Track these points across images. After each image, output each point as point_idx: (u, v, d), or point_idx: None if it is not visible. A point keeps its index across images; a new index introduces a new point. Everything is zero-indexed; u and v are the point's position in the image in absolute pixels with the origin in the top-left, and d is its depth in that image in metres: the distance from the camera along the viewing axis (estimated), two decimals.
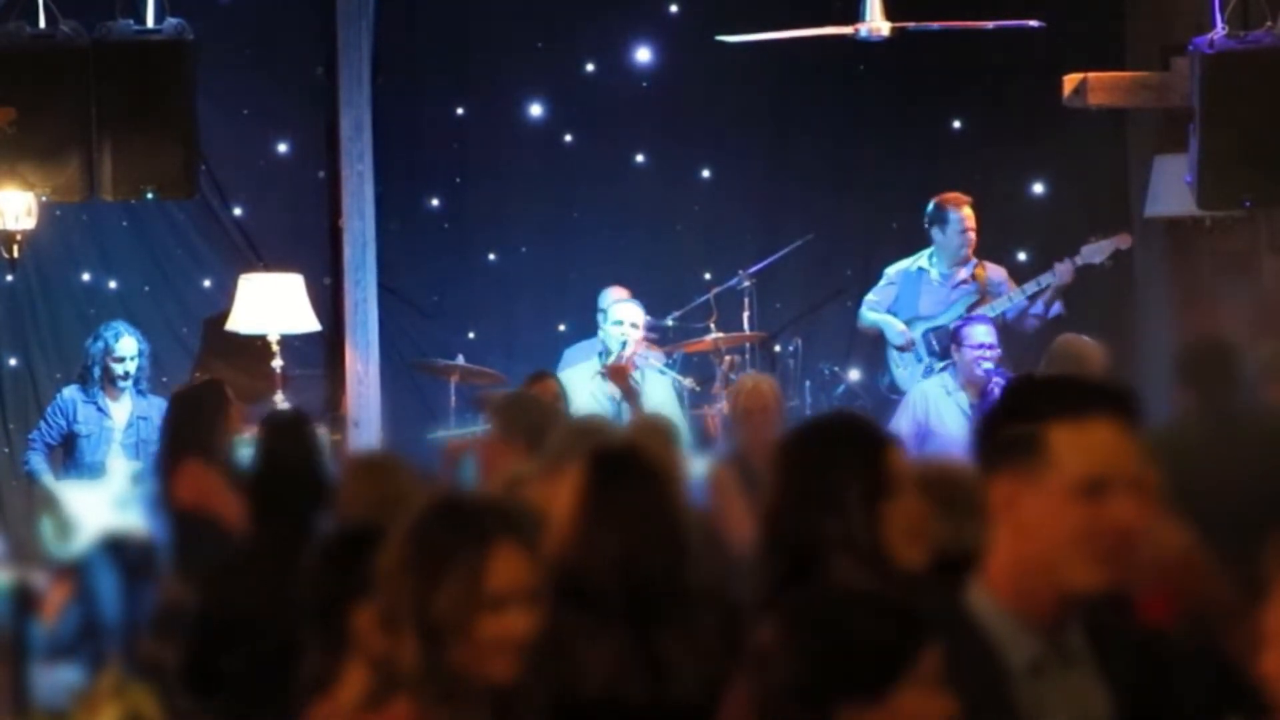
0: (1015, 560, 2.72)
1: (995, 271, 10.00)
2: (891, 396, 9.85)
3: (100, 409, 9.76)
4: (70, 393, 9.84)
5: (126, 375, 9.78)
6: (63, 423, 9.79)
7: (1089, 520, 2.66)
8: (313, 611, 3.52)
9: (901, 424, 9.09)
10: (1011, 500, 2.71)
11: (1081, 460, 2.67)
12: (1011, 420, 2.74)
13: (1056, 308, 9.76)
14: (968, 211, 9.87)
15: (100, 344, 9.81)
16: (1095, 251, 9.75)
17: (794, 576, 3.30)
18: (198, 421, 7.20)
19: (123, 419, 9.75)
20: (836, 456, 3.41)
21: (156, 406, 9.63)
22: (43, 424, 9.89)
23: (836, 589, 2.82)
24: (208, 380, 8.41)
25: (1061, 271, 9.67)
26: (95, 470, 9.63)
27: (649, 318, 10.05)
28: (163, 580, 6.33)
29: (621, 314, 9.74)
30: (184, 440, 7.13)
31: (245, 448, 7.00)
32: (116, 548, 6.34)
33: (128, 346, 9.81)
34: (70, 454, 9.80)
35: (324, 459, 5.85)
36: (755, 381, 7.60)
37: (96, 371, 9.78)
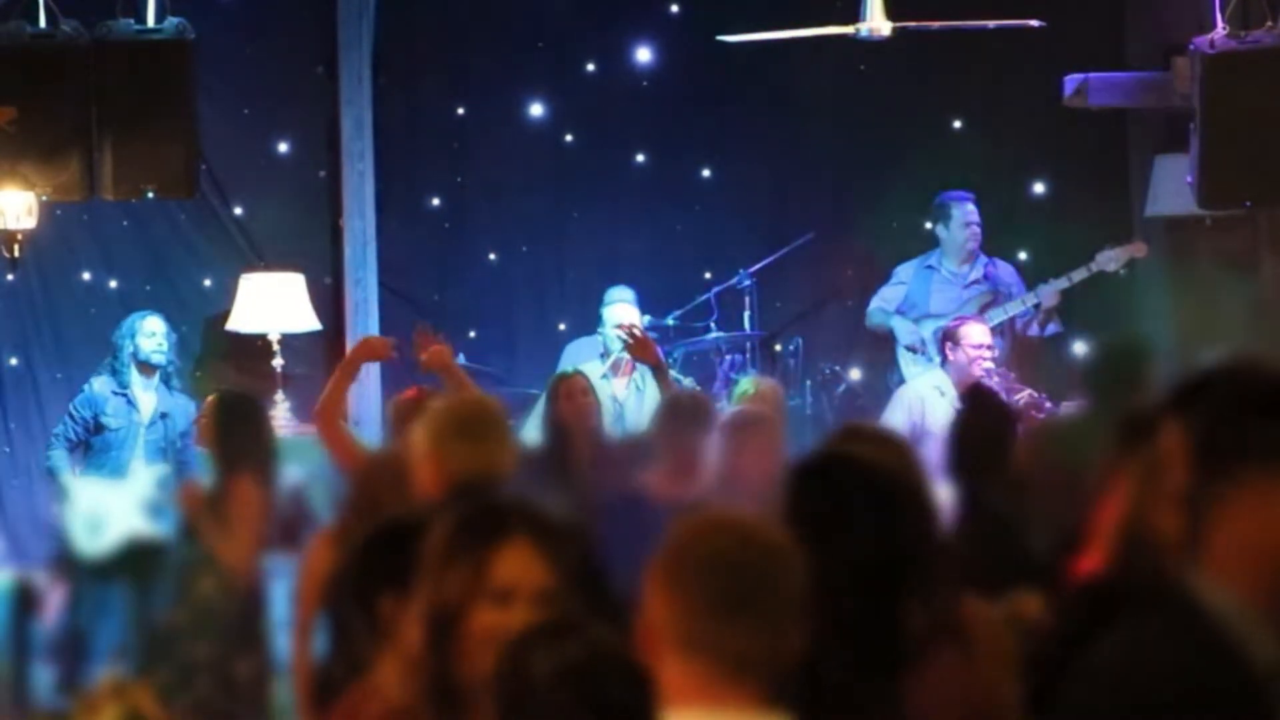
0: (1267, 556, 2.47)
1: (1005, 270, 10.01)
2: None
3: (130, 401, 9.64)
4: (99, 385, 9.68)
5: (160, 350, 9.65)
6: (89, 415, 9.61)
7: None
8: (352, 599, 3.55)
9: (895, 422, 9.08)
10: (1267, 500, 2.46)
11: None
12: (1260, 416, 2.49)
13: (1052, 327, 9.81)
14: (970, 206, 9.92)
15: (127, 327, 9.71)
16: (1110, 259, 9.80)
17: None
18: (253, 433, 6.54)
19: (148, 413, 9.65)
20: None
21: (180, 406, 9.61)
22: (67, 419, 9.71)
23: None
24: (243, 390, 7.91)
25: (1045, 294, 9.71)
26: (118, 470, 9.51)
27: (649, 317, 10.04)
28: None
29: (616, 315, 9.70)
30: (240, 454, 6.41)
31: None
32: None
33: (155, 324, 9.74)
34: (94, 450, 9.62)
35: None
36: (758, 387, 7.53)
37: (125, 356, 9.64)
